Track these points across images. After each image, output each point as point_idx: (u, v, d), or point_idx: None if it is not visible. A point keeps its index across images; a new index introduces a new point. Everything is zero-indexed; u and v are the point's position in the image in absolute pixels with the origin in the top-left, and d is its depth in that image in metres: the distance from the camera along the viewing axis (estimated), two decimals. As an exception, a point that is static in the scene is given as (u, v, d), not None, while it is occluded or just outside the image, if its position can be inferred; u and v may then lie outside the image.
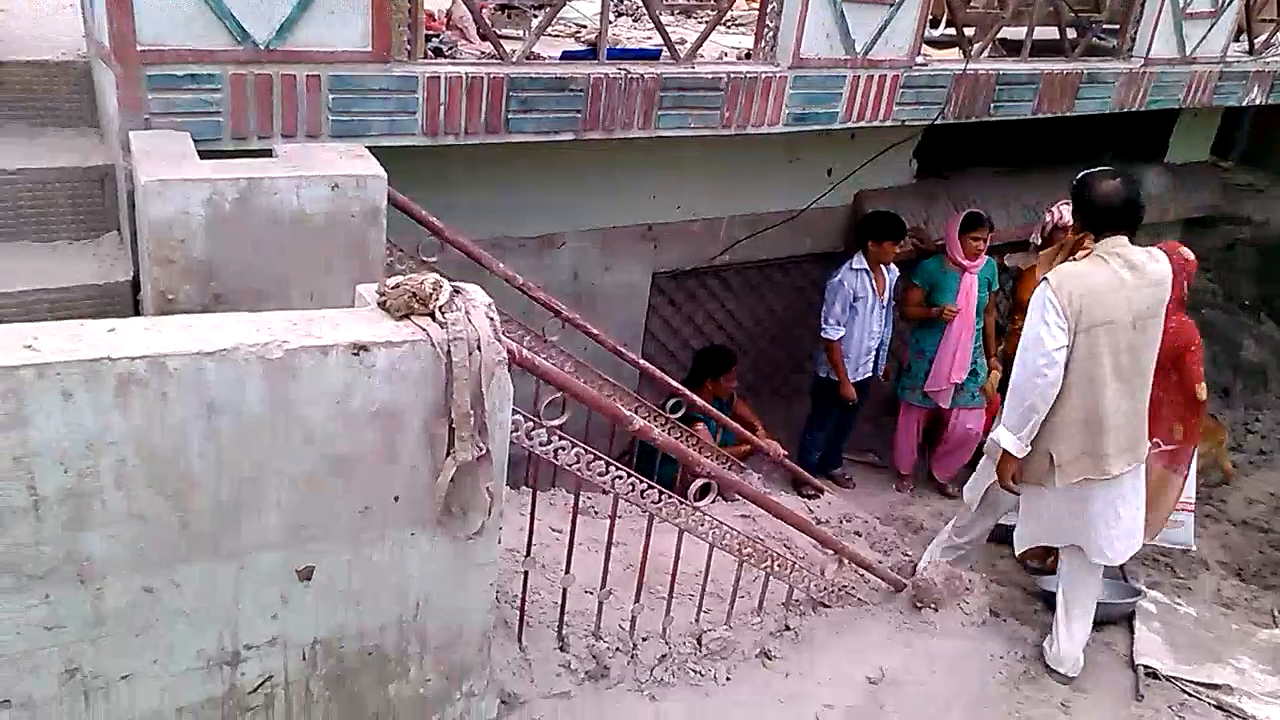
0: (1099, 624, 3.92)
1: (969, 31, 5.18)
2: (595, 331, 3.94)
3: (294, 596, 2.21)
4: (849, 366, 5.43)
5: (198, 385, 1.92)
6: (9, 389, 1.74)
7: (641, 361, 4.15)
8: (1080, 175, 3.56)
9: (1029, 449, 3.52)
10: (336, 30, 3.24)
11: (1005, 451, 3.54)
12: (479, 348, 2.20)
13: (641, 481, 2.80)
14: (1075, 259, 3.49)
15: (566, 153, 4.21)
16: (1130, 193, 3.45)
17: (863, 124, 4.73)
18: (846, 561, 3.72)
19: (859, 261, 5.33)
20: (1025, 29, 5.28)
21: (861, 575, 3.93)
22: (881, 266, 5.39)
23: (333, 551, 2.23)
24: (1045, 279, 3.43)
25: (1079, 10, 6.10)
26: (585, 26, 5.13)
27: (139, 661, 2.08)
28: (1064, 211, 4.82)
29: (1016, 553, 3.99)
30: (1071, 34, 5.68)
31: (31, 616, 1.92)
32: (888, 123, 4.81)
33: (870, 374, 5.60)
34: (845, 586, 3.84)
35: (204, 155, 2.94)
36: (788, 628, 3.56)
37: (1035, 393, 3.42)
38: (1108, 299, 3.38)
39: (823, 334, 5.38)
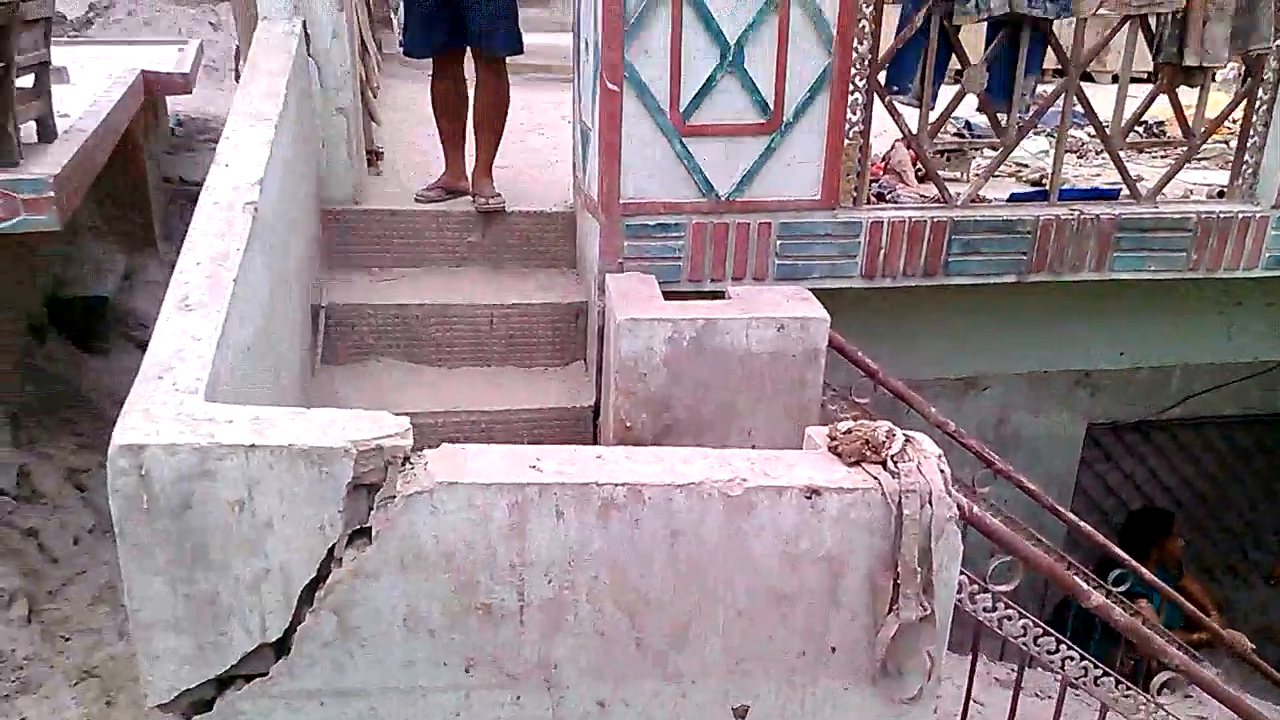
0: None
1: None
2: (1031, 486, 3.67)
3: (726, 731, 2.22)
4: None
5: (666, 513, 2.04)
6: (515, 503, 1.96)
7: (1083, 524, 3.79)
8: None
9: None
10: (790, 181, 3.42)
11: None
12: (930, 501, 2.13)
13: (1096, 666, 2.51)
14: None
15: (998, 292, 4.06)
16: None
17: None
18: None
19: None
20: None
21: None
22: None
23: (767, 694, 2.22)
24: None
25: None
26: (1026, 166, 4.98)
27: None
28: None
29: None
30: None
31: (503, 715, 2.11)
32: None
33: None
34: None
35: (665, 295, 3.22)
36: None
37: None
38: None
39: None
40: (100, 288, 5.90)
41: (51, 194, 3.85)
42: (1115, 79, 3.89)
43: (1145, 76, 5.27)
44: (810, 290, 3.42)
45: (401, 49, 3.84)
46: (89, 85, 5.70)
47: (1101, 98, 3.88)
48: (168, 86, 7.09)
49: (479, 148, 3.83)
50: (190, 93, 7.53)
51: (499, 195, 3.75)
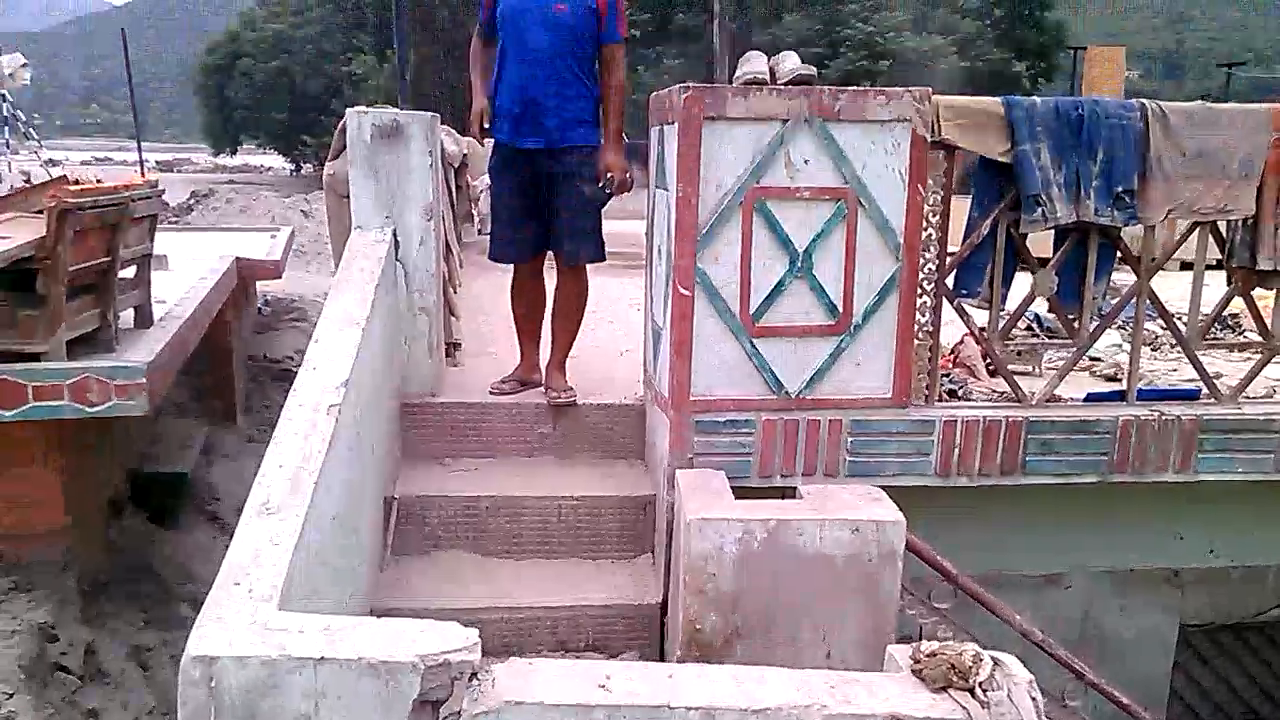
0: None
1: None
2: (1125, 700, 3.46)
3: None
4: None
5: (741, 739, 1.95)
6: (584, 724, 1.91)
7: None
8: None
9: None
10: (861, 378, 3.44)
11: None
12: (1022, 733, 2.01)
13: None
14: None
15: (1079, 489, 3.95)
16: None
17: None
18: None
19: None
20: None
21: None
22: None
23: None
24: None
25: None
26: (1100, 360, 4.95)
27: None
28: None
29: None
30: None
31: None
32: None
33: None
34: None
35: (734, 491, 3.20)
36: None
37: None
38: None
39: None
40: (180, 463, 6.07)
41: (143, 381, 4.04)
42: (1184, 266, 3.89)
43: (1216, 263, 5.27)
44: (883, 487, 3.38)
45: (488, 254, 4.01)
46: (187, 272, 6.06)
47: (1172, 283, 3.84)
48: (259, 272, 7.51)
49: (555, 343, 3.93)
50: (280, 277, 7.95)
51: (572, 390, 3.82)
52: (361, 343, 2.88)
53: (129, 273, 4.61)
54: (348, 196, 3.76)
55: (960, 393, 4.28)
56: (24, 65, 9.81)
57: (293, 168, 46.73)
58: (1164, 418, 3.62)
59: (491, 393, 3.86)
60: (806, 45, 24.61)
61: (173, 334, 4.62)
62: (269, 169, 51.45)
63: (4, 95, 9.79)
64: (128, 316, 4.63)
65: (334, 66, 34.23)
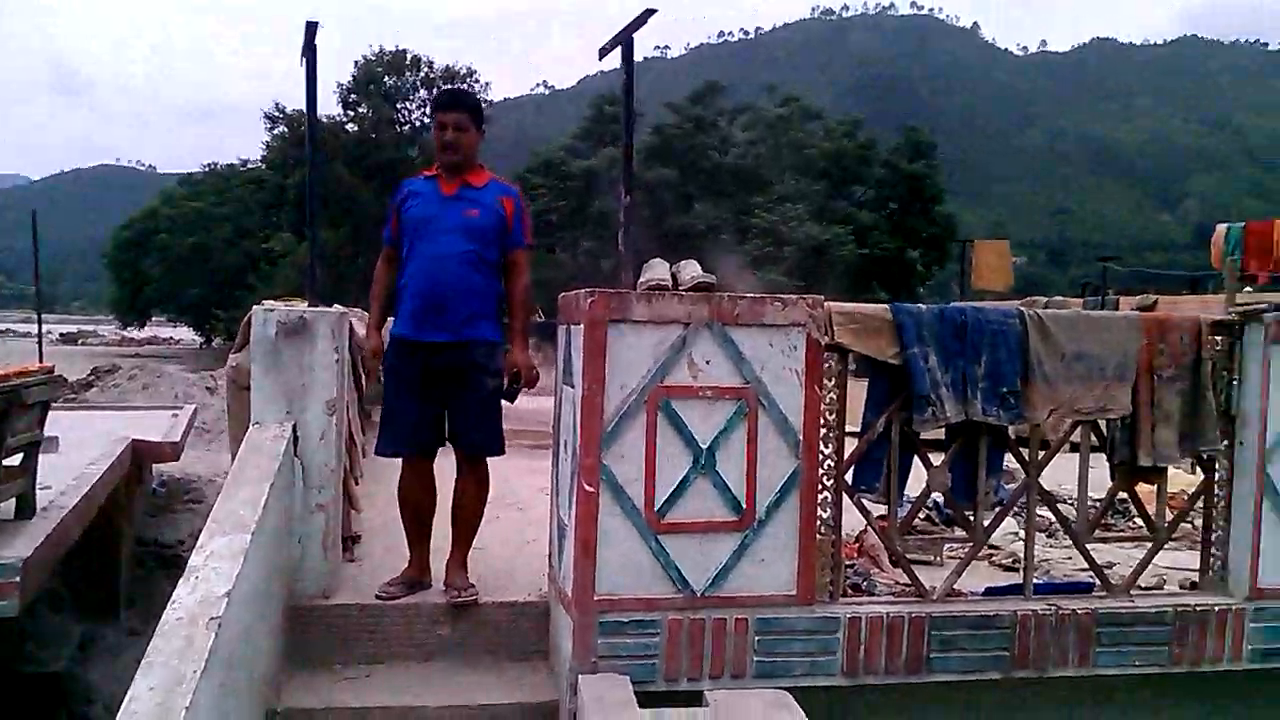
0: None
1: None
2: None
3: None
4: None
5: None
6: None
7: None
8: None
9: None
10: (766, 575, 3.43)
11: None
12: None
13: None
14: None
15: (989, 688, 3.92)
16: None
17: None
18: None
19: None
20: None
21: None
22: None
23: None
24: None
25: None
26: (999, 549, 5.04)
27: None
28: None
29: None
30: None
31: None
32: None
33: None
34: None
35: (639, 697, 3.10)
36: None
37: None
38: None
39: None
40: (53, 663, 5.63)
41: (17, 579, 3.80)
42: (1075, 447, 4.05)
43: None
44: (792, 688, 3.32)
45: (376, 449, 3.91)
46: (78, 454, 5.81)
47: (1072, 464, 3.94)
48: (156, 455, 7.24)
49: (455, 539, 3.82)
50: (178, 460, 7.67)
51: (473, 587, 3.71)
52: (250, 548, 2.77)
53: (15, 460, 4.41)
54: (249, 389, 3.70)
55: (865, 585, 4.29)
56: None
57: (203, 340, 46.23)
58: (1060, 612, 3.67)
59: (379, 597, 3.68)
60: (716, 232, 25.78)
61: (54, 526, 4.38)
62: (178, 341, 50.77)
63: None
64: (8, 506, 4.40)
65: (253, 243, 34.46)
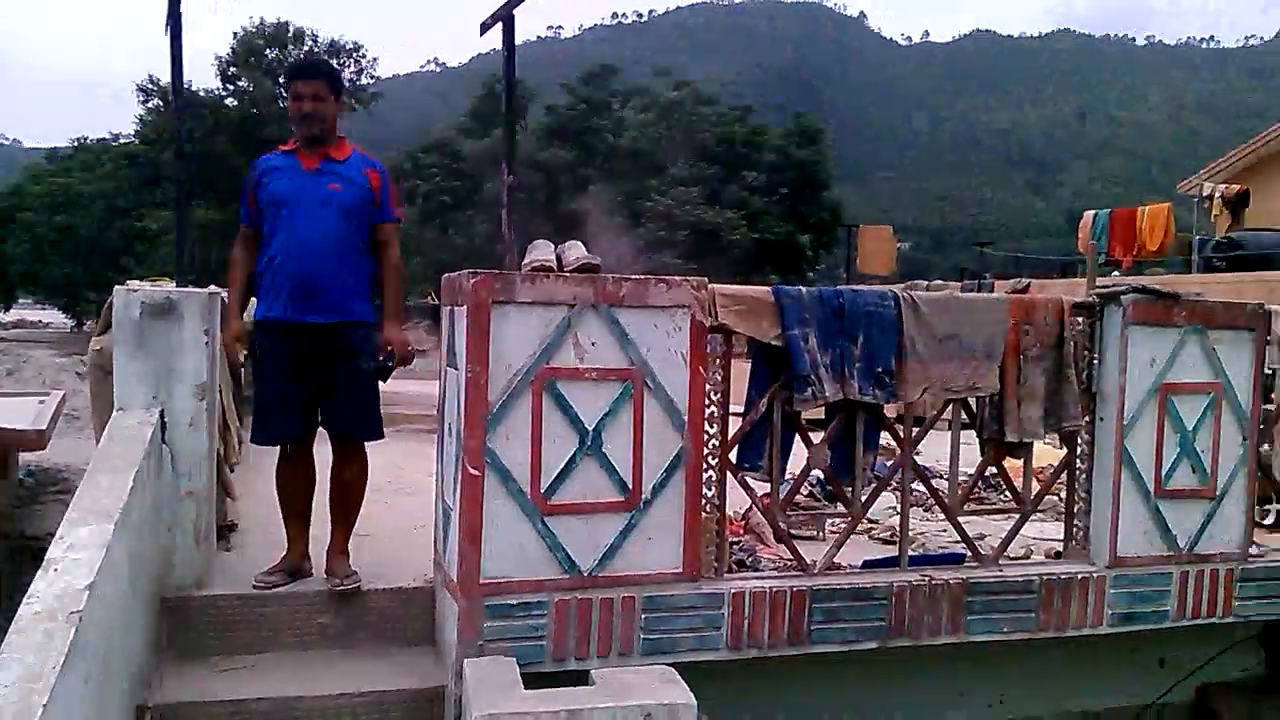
0: None
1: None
2: None
3: None
4: None
5: None
6: None
7: None
8: None
9: None
10: (653, 553, 3.47)
11: None
12: None
13: None
14: None
15: (870, 656, 4.06)
16: None
17: (1199, 621, 4.28)
18: None
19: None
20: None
21: None
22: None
23: None
24: None
25: None
26: (877, 522, 5.20)
27: None
28: None
29: None
30: None
31: None
32: (1228, 619, 4.33)
33: None
34: None
35: (527, 678, 3.10)
36: None
37: None
38: None
39: None
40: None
41: None
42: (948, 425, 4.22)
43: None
44: (678, 665, 3.36)
45: (251, 438, 3.79)
46: (-69, 447, 5.47)
47: (937, 442, 4.08)
48: (20, 442, 6.87)
49: (335, 527, 3.74)
50: (44, 448, 7.30)
51: (354, 574, 3.64)
52: (113, 538, 2.65)
53: None
54: (113, 373, 3.54)
55: (749, 561, 4.38)
56: None
57: (74, 323, 43.91)
58: (933, 582, 3.82)
59: (256, 586, 3.57)
60: (610, 215, 25.75)
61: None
62: (47, 324, 48.14)
63: None
64: None
65: (127, 222, 32.81)
